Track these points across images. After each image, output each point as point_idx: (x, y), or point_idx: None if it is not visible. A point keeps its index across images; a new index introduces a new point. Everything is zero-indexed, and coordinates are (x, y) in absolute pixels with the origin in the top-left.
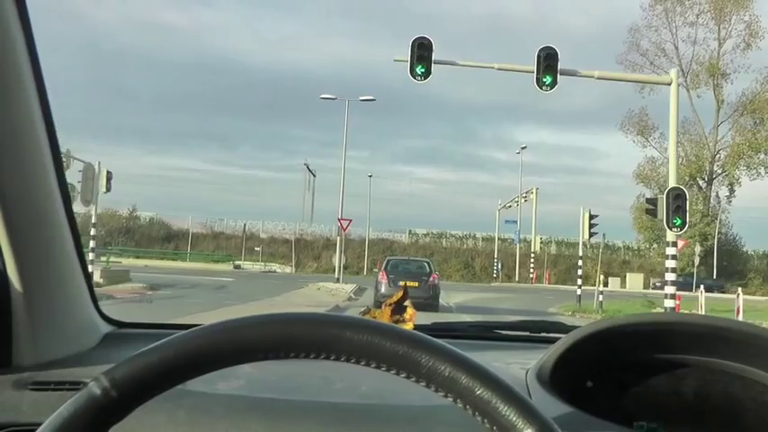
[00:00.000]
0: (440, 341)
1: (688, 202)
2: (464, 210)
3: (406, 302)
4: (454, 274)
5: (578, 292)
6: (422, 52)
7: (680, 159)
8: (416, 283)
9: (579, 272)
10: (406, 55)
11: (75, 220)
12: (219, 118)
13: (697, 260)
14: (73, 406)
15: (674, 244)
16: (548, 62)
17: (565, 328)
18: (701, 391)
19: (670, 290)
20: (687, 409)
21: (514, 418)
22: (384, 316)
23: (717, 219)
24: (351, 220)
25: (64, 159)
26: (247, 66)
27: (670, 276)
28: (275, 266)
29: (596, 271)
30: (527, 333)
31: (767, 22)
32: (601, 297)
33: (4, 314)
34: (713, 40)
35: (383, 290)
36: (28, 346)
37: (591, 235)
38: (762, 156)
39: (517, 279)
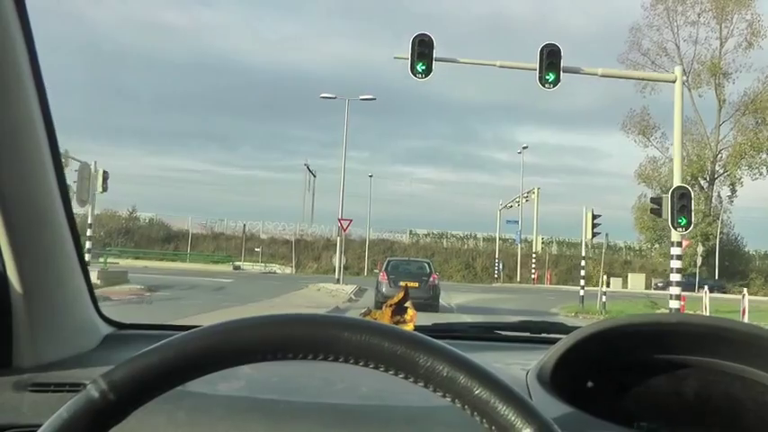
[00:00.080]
0: (439, 342)
1: (693, 202)
2: (465, 210)
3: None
4: (455, 275)
5: (581, 292)
6: (422, 49)
7: (681, 159)
8: (417, 284)
9: (582, 272)
10: (407, 54)
11: (75, 220)
12: (219, 118)
13: (699, 260)
14: (72, 408)
15: (679, 244)
16: (550, 59)
17: (565, 329)
18: (702, 392)
19: (675, 291)
20: (688, 410)
21: (513, 418)
22: (385, 317)
23: (718, 219)
24: (351, 220)
25: (62, 159)
26: (247, 66)
27: (675, 277)
28: (275, 267)
29: (598, 271)
30: (527, 334)
31: None
32: (604, 298)
33: (4, 315)
34: (715, 39)
35: (384, 290)
36: (28, 347)
37: (594, 235)
38: (763, 155)
39: (518, 279)
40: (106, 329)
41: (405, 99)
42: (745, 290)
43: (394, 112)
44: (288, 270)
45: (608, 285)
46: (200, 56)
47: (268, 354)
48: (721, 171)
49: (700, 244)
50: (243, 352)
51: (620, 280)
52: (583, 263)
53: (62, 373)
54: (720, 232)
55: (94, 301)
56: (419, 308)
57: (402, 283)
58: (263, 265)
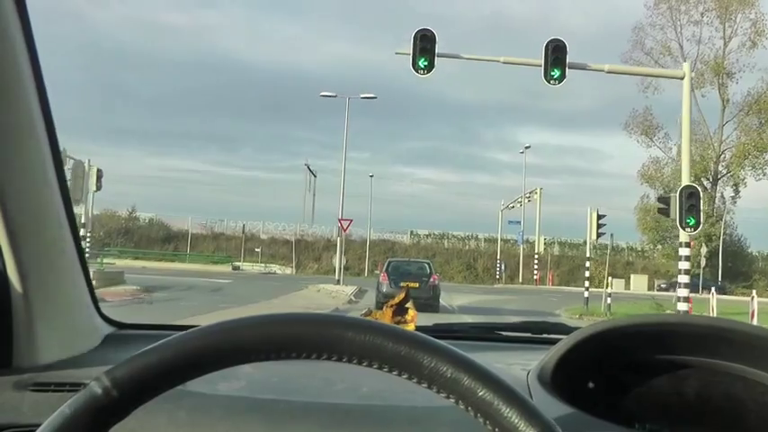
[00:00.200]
0: (442, 342)
1: (702, 202)
2: (466, 210)
3: (408, 304)
4: (456, 276)
5: (586, 294)
6: (425, 44)
7: (690, 157)
8: (417, 284)
9: (587, 273)
10: (409, 50)
11: (76, 220)
12: (220, 119)
13: (703, 262)
14: (73, 405)
15: (688, 244)
16: (556, 54)
17: (566, 329)
18: (703, 393)
19: (683, 292)
20: (689, 410)
21: (516, 420)
22: (386, 317)
23: (722, 219)
24: (351, 221)
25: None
26: (248, 66)
27: (683, 278)
28: (275, 267)
29: (600, 272)
30: (528, 334)
31: None
32: (609, 300)
33: (4, 315)
34: (718, 38)
35: (385, 290)
36: (28, 347)
37: (599, 235)
38: (767, 156)
39: (520, 280)
40: (106, 329)
41: (406, 100)
42: (753, 292)
43: (395, 113)
44: (288, 271)
45: (611, 287)
46: (201, 56)
47: (269, 353)
48: (724, 171)
49: (703, 245)
50: (243, 351)
51: (622, 281)
52: (587, 264)
53: (62, 373)
54: (724, 233)
55: (95, 300)
56: (419, 308)
57: (403, 284)
58: (263, 265)
